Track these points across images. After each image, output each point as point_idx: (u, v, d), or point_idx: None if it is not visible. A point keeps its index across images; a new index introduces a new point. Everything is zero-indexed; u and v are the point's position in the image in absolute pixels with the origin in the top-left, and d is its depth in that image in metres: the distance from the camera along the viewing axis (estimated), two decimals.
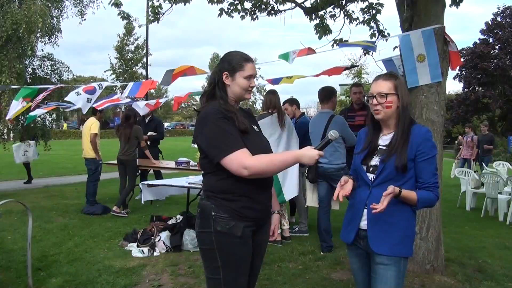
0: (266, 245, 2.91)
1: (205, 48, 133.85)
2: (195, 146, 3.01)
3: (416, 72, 4.76)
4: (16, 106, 7.15)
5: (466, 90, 34.67)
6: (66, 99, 6.81)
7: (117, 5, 6.43)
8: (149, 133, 9.81)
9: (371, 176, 2.70)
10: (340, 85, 34.61)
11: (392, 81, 2.68)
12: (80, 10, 12.40)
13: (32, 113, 7.89)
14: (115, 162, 8.83)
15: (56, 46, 12.06)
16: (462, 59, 32.07)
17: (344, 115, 7.05)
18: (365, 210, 2.68)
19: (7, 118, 7.55)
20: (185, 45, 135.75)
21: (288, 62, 5.21)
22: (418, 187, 2.63)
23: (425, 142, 2.62)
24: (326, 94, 6.10)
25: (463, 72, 33.76)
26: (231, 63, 2.65)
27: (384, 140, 2.74)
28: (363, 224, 2.69)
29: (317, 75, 6.10)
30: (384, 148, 2.70)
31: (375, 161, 2.71)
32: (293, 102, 7.29)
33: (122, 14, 6.68)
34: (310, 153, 2.51)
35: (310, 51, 5.21)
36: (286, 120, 6.33)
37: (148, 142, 9.70)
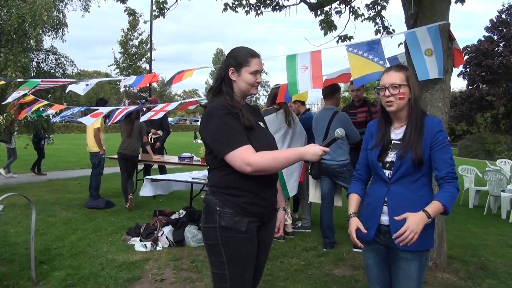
0: (271, 241, 2.91)
1: (209, 44, 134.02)
2: (198, 141, 3.02)
3: (426, 65, 4.71)
4: (15, 96, 7.18)
5: (470, 87, 34.67)
6: (67, 90, 6.85)
7: (123, 0, 6.44)
8: (153, 136, 9.94)
9: (387, 173, 2.68)
10: None
11: (403, 72, 2.66)
12: (84, 4, 12.42)
13: (45, 114, 7.89)
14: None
15: (62, 41, 12.09)
16: (466, 56, 32.17)
17: (346, 112, 7.04)
18: (385, 207, 2.67)
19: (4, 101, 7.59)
20: (190, 40, 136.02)
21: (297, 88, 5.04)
22: (436, 179, 2.60)
23: (438, 132, 2.60)
24: (330, 90, 6.08)
25: (467, 69, 33.72)
26: (237, 58, 2.65)
27: (397, 134, 2.72)
28: (385, 219, 2.68)
29: (324, 84, 6.01)
30: (398, 142, 2.68)
31: (391, 157, 2.68)
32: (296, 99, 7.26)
33: (128, 11, 6.68)
34: (314, 149, 2.50)
35: (317, 61, 5.06)
36: (293, 117, 6.35)
37: (154, 142, 9.80)
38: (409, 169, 2.59)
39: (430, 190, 2.64)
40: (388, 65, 4.70)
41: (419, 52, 4.68)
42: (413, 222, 2.42)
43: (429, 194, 2.63)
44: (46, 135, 12.95)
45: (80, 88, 6.60)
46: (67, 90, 7.08)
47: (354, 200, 2.87)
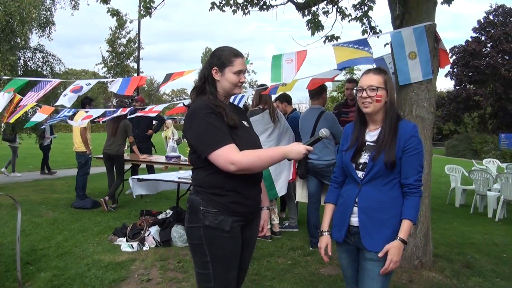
0: (256, 240, 2.92)
1: (198, 43, 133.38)
2: (185, 140, 3.02)
3: (408, 69, 4.77)
4: (1, 99, 7.10)
5: (457, 87, 34.94)
6: (56, 104, 6.76)
7: (105, 1, 6.38)
8: (149, 131, 10.03)
9: (360, 174, 2.70)
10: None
11: (382, 76, 2.69)
12: (72, 2, 12.35)
13: (33, 119, 7.77)
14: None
15: (50, 39, 12.02)
16: (454, 57, 32.40)
17: (338, 110, 7.07)
18: (355, 208, 2.69)
19: None
20: (178, 39, 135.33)
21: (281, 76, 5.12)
22: (402, 183, 2.64)
23: (412, 138, 2.62)
24: (317, 91, 6.09)
25: (455, 69, 34.01)
26: (221, 58, 2.65)
27: (371, 136, 2.74)
28: (354, 220, 2.70)
29: (310, 87, 6.02)
30: (372, 144, 2.70)
31: (364, 158, 2.71)
32: (283, 99, 7.24)
33: (111, 11, 6.62)
34: (297, 148, 2.52)
35: (301, 58, 5.12)
36: (279, 115, 6.33)
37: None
38: (381, 171, 2.61)
39: (401, 192, 2.66)
40: (373, 51, 4.73)
41: (403, 55, 4.73)
42: (394, 254, 2.56)
43: (400, 197, 2.66)
44: (45, 135, 13.04)
45: (68, 100, 6.52)
46: (56, 104, 6.96)
47: (329, 211, 2.92)
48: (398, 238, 2.58)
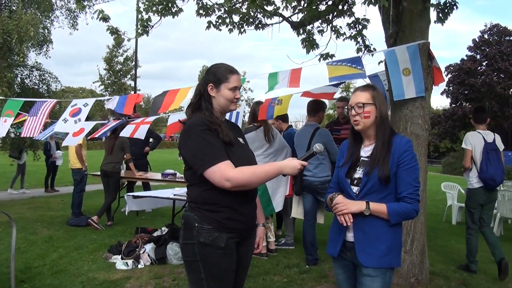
0: (251, 258, 2.90)
1: (195, 61, 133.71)
2: (181, 158, 3.01)
3: (402, 85, 4.81)
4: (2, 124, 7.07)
5: (453, 105, 35.13)
6: (56, 130, 6.77)
7: (105, 19, 6.42)
8: (146, 149, 9.98)
9: (355, 189, 2.70)
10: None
11: (369, 92, 2.72)
12: (71, 22, 12.47)
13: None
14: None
15: (47, 57, 12.10)
16: (449, 75, 32.63)
17: (330, 128, 7.08)
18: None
19: None
20: (176, 58, 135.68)
21: (274, 87, 5.27)
22: (397, 198, 2.64)
23: (406, 152, 2.63)
24: (314, 108, 6.13)
25: (451, 87, 34.25)
26: (216, 74, 2.67)
27: (366, 151, 2.75)
28: (349, 236, 2.69)
29: (304, 94, 6.08)
30: (366, 159, 2.71)
31: (358, 173, 2.71)
32: (278, 116, 7.23)
33: (110, 29, 6.67)
34: (292, 163, 2.53)
35: (296, 74, 5.24)
36: (274, 133, 6.32)
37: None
38: (375, 186, 2.61)
39: None
40: (366, 69, 4.81)
41: (397, 71, 4.76)
42: (351, 202, 2.63)
43: None
44: (52, 153, 13.07)
45: (69, 127, 6.53)
46: (56, 130, 6.93)
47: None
48: (366, 201, 2.60)
